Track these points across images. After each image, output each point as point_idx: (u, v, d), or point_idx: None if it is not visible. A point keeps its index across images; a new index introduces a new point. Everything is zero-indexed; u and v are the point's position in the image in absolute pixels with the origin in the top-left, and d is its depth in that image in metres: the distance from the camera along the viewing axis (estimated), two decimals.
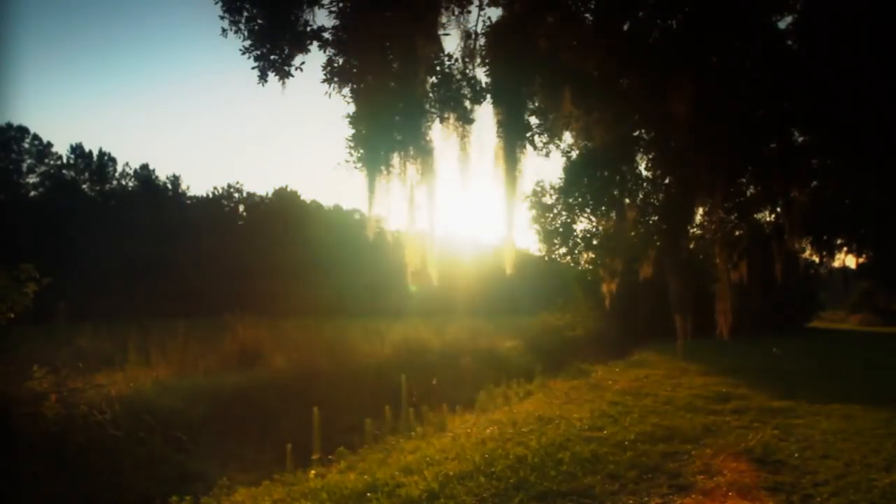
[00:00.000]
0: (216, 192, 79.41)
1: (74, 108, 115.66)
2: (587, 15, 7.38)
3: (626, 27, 7.90)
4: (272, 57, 5.59)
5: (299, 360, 14.27)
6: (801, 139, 9.70)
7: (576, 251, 22.50)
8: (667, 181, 9.34)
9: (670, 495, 6.33)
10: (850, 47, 7.39)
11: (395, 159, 6.05)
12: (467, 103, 6.10)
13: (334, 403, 11.16)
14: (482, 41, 5.88)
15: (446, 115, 6.10)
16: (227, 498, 6.51)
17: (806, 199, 10.46)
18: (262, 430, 10.37)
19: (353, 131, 5.91)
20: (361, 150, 5.93)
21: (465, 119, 6.08)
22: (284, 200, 79.53)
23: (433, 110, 6.04)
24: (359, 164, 6.04)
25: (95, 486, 7.30)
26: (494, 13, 6.49)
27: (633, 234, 9.62)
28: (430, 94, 5.99)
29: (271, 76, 5.66)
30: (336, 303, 53.83)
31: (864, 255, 27.93)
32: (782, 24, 8.41)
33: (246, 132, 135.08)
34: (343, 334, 19.16)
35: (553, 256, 24.85)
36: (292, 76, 5.70)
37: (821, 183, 10.83)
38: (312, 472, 7.20)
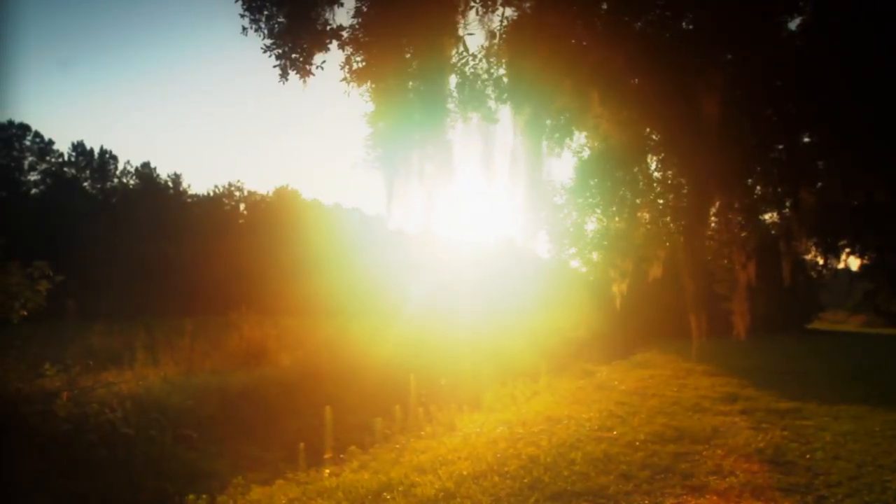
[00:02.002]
0: (217, 191, 79.39)
1: (76, 106, 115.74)
2: (597, 17, 7.40)
3: (637, 26, 7.91)
4: (293, 55, 5.59)
5: (304, 359, 14.27)
6: (807, 140, 9.73)
7: (586, 252, 22.49)
8: (677, 182, 9.35)
9: (684, 496, 6.33)
10: (858, 49, 7.41)
11: (414, 159, 6.07)
12: (491, 103, 6.11)
13: (340, 402, 11.14)
14: (498, 40, 5.89)
15: (470, 115, 6.11)
16: (242, 497, 6.51)
17: (813, 201, 10.48)
18: (270, 429, 10.39)
19: (371, 130, 5.93)
20: (380, 149, 5.94)
21: (490, 119, 6.08)
22: (285, 199, 79.49)
23: (456, 110, 6.05)
24: (376, 164, 6.06)
25: (108, 485, 7.28)
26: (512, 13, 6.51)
27: (642, 234, 9.63)
28: (455, 94, 6.00)
29: (292, 74, 5.67)
30: (337, 301, 53.79)
31: (866, 257, 28.04)
32: (791, 26, 8.45)
33: (246, 131, 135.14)
34: (346, 333, 19.15)
35: (562, 257, 24.85)
36: (313, 75, 5.71)
37: (826, 184, 10.85)
38: (327, 470, 7.20)
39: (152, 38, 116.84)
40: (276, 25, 5.54)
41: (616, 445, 8.16)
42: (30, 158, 67.57)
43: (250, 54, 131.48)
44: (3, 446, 7.16)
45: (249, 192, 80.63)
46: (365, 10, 5.72)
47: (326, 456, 7.90)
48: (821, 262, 16.86)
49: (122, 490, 7.29)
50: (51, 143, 68.81)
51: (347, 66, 5.90)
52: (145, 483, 7.52)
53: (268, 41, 5.57)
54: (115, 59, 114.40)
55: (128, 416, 8.27)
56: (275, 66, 5.59)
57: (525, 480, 6.60)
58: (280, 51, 5.59)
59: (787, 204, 11.05)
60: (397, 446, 8.46)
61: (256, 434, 9.97)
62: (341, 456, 8.07)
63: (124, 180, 73.77)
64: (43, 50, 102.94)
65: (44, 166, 68.38)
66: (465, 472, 6.80)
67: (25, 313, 8.32)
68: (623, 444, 8.28)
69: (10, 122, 65.88)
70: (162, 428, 8.59)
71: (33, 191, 66.78)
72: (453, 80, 6.03)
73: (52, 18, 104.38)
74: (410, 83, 5.77)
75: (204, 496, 6.44)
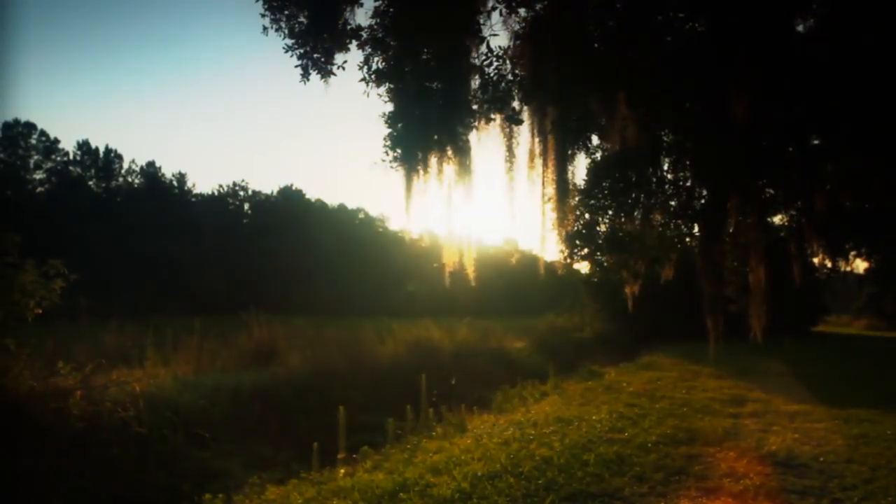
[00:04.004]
0: (221, 191, 79.64)
1: (81, 105, 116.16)
2: (611, 18, 7.39)
3: (650, 27, 7.91)
4: (315, 55, 5.62)
5: (313, 359, 14.26)
6: (816, 142, 9.73)
7: (597, 253, 22.45)
8: (689, 184, 9.35)
9: (700, 498, 6.34)
10: (868, 52, 7.40)
11: (432, 160, 6.08)
12: (516, 104, 6.11)
13: (350, 401, 11.12)
14: (520, 41, 5.89)
15: (493, 116, 6.10)
16: (258, 496, 6.52)
17: (823, 203, 10.48)
18: (280, 428, 10.38)
19: (390, 131, 5.94)
20: (398, 150, 5.95)
21: (515, 120, 6.08)
22: (289, 199, 79.70)
23: (480, 111, 6.04)
24: (395, 164, 6.07)
25: (122, 483, 7.31)
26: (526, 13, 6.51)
27: (655, 235, 9.63)
28: (480, 95, 6.00)
29: (314, 74, 5.70)
30: (340, 302, 53.98)
31: (872, 260, 27.96)
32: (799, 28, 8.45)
33: (251, 131, 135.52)
34: (352, 333, 19.15)
35: (572, 258, 24.77)
36: (334, 75, 5.74)
37: (834, 187, 10.85)
38: (341, 470, 7.22)
39: (157, 37, 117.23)
40: (297, 25, 5.57)
41: (628, 447, 8.16)
42: (35, 157, 67.90)
43: (256, 55, 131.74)
44: (17, 444, 7.18)
45: (254, 192, 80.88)
46: (383, 10, 5.74)
47: (340, 456, 7.91)
48: (828, 264, 16.79)
49: (136, 489, 7.31)
50: (56, 141, 69.15)
51: (366, 67, 5.94)
52: (159, 482, 7.55)
53: (289, 41, 5.60)
54: (120, 58, 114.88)
55: (141, 415, 8.29)
56: (296, 66, 5.62)
57: (540, 482, 6.61)
58: (302, 51, 5.62)
59: (798, 206, 11.05)
60: (409, 447, 8.46)
61: (268, 433, 9.98)
62: (354, 456, 8.08)
63: (129, 179, 74.06)
64: (49, 48, 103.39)
65: (49, 165, 68.71)
66: (479, 473, 6.82)
67: (41, 311, 8.37)
68: (635, 445, 8.28)
69: (16, 121, 66.29)
70: (174, 427, 8.62)
71: (39, 189, 67.01)
72: (475, 80, 6.04)
73: (57, 17, 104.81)
74: (431, 84, 5.79)
75: (220, 495, 6.46)
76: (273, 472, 7.78)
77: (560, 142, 5.93)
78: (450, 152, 6.08)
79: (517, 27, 5.80)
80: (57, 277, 8.45)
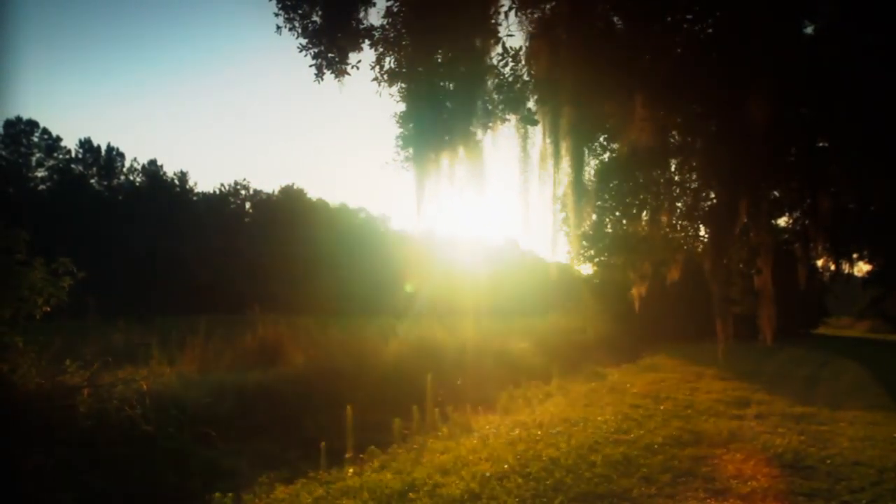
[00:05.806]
0: (223, 189, 79.68)
1: (83, 103, 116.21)
2: (616, 20, 7.38)
3: (657, 29, 7.90)
4: (330, 55, 5.63)
5: (317, 358, 14.27)
6: (821, 144, 9.72)
7: (603, 254, 22.43)
8: (696, 185, 9.34)
9: (708, 500, 6.35)
10: (873, 55, 7.39)
11: (444, 160, 6.09)
12: (531, 104, 6.11)
13: (354, 401, 11.14)
14: (529, 42, 5.89)
15: (507, 117, 6.11)
16: (267, 496, 6.52)
17: (828, 205, 10.46)
18: (286, 427, 10.39)
19: (402, 130, 5.95)
20: (410, 150, 5.96)
21: (530, 121, 6.07)
22: (291, 198, 79.70)
23: (495, 112, 6.05)
24: (406, 164, 6.08)
25: (129, 481, 7.30)
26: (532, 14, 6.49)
27: (662, 237, 9.63)
28: (494, 95, 6.00)
29: (328, 74, 5.71)
30: (342, 301, 53.96)
31: (876, 263, 27.89)
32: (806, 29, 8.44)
33: (252, 130, 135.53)
34: (356, 332, 19.14)
35: (577, 259, 24.75)
36: (348, 74, 5.75)
37: (839, 189, 10.83)
38: (350, 470, 7.22)
39: (160, 36, 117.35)
40: (310, 25, 5.58)
41: (634, 448, 8.17)
42: (37, 155, 67.95)
43: (257, 54, 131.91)
44: (25, 442, 7.18)
45: (255, 191, 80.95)
46: (395, 10, 5.75)
47: (347, 455, 7.91)
48: (832, 267, 16.75)
49: (145, 487, 7.31)
50: (58, 139, 69.20)
51: (379, 66, 5.95)
52: (167, 480, 7.54)
53: (303, 40, 5.62)
54: (122, 56, 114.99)
55: (147, 414, 8.27)
56: (311, 66, 5.63)
57: (548, 482, 6.62)
58: (316, 50, 5.62)
59: (804, 207, 11.02)
60: (415, 446, 8.47)
61: (273, 432, 9.98)
62: (361, 455, 8.08)
63: (131, 178, 74.13)
64: (51, 46, 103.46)
65: (51, 163, 68.75)
66: (487, 474, 6.82)
67: (48, 309, 8.37)
68: (641, 447, 8.28)
69: (18, 119, 66.34)
70: (181, 425, 8.61)
71: (41, 187, 67.05)
72: (490, 81, 6.02)
73: (59, 14, 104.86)
74: (445, 84, 5.78)
75: (230, 494, 6.46)
76: (280, 472, 7.77)
77: (576, 143, 5.93)
78: (462, 153, 6.10)
79: (532, 28, 5.79)
80: (66, 275, 8.46)
